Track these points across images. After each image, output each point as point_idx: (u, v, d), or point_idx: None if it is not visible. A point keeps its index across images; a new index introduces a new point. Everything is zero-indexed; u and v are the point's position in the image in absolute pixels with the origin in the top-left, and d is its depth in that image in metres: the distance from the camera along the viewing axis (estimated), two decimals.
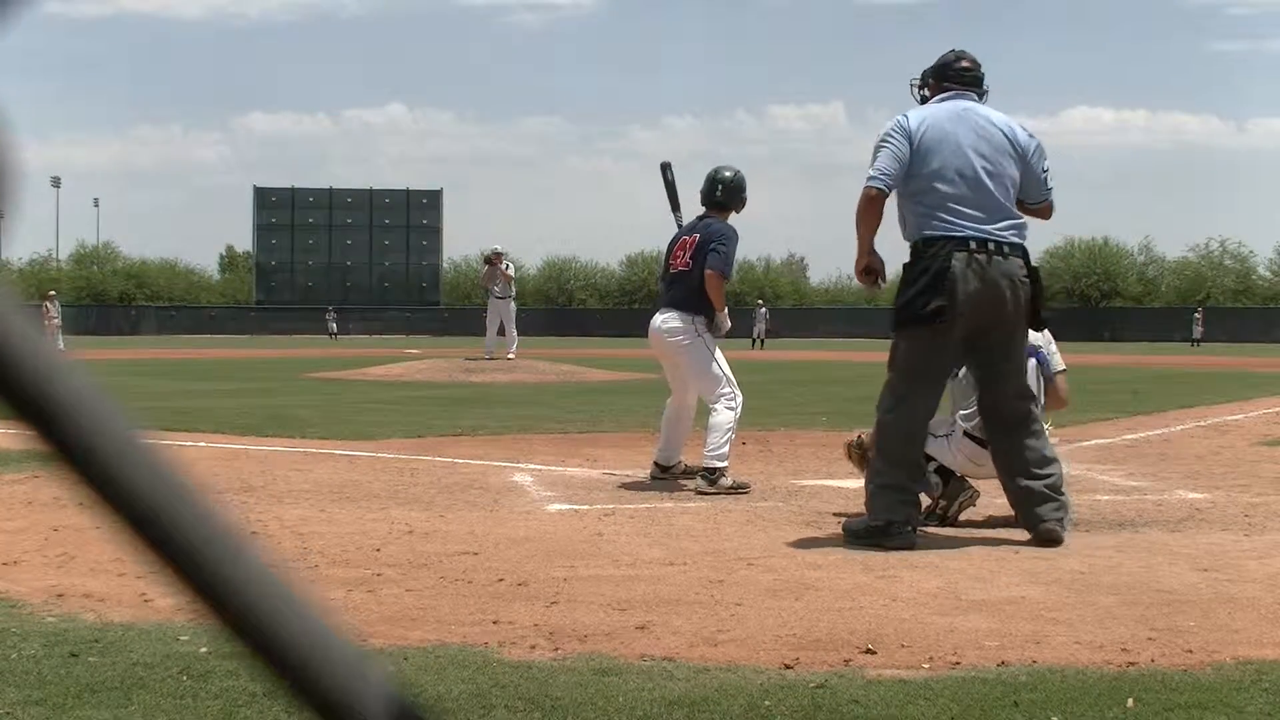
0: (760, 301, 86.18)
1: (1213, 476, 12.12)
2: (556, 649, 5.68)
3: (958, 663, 5.53)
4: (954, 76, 9.02)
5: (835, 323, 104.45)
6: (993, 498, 9.71)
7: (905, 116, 8.77)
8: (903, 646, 5.78)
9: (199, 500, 0.75)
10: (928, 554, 8.06)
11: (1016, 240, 8.65)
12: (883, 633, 6.00)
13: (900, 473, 8.56)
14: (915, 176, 8.62)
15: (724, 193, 11.64)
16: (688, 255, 11.53)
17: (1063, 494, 8.73)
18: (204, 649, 5.47)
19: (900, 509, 8.43)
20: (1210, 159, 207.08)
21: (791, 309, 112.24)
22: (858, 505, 9.96)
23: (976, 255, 8.45)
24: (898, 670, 5.41)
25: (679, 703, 4.89)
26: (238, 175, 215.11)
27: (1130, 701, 4.92)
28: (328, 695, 0.75)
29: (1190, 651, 5.71)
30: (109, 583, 6.88)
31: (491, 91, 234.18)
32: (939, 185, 8.56)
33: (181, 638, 5.67)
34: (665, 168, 12.54)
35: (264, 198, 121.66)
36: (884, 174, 8.61)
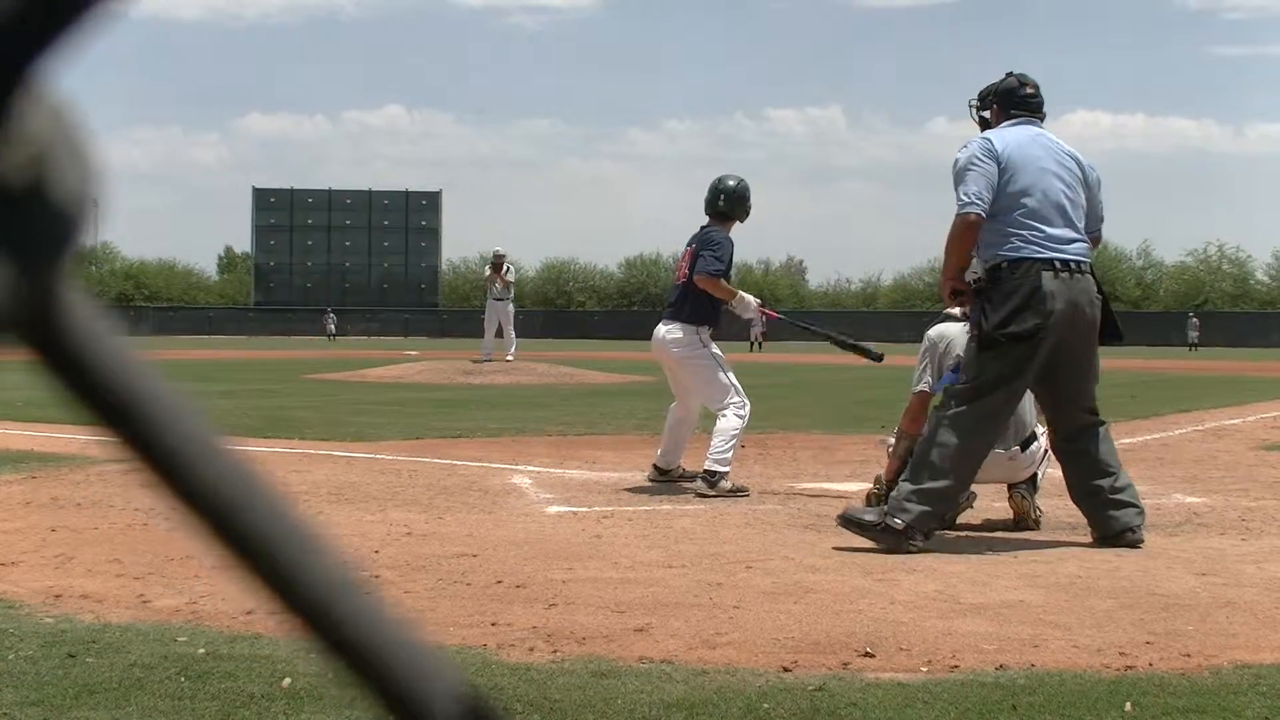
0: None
1: (1210, 481, 12.12)
2: (555, 651, 5.69)
3: (956, 666, 5.53)
4: (1020, 103, 9.10)
5: (834, 326, 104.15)
6: (991, 500, 9.72)
7: (988, 139, 8.82)
8: (901, 649, 5.79)
9: (275, 500, 0.76)
10: (926, 557, 8.06)
11: (1089, 260, 8.78)
12: (881, 636, 6.00)
13: (952, 490, 8.59)
14: (1000, 197, 8.66)
15: (727, 202, 11.65)
16: (686, 266, 11.55)
17: (1136, 496, 8.81)
18: (201, 650, 5.48)
19: (927, 522, 8.43)
20: (1209, 164, 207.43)
21: (790, 312, 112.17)
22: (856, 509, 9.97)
23: (1061, 274, 8.54)
24: (896, 673, 5.41)
25: (678, 705, 4.89)
26: (236, 176, 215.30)
27: (1128, 705, 4.93)
28: (402, 694, 0.76)
29: (1188, 656, 5.71)
30: (107, 584, 6.89)
31: (491, 93, 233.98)
32: (1024, 206, 8.64)
33: (179, 639, 5.68)
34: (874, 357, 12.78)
35: (263, 199, 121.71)
36: (979, 199, 8.63)
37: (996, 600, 6.83)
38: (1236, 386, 30.96)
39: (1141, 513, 8.73)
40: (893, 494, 8.59)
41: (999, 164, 8.68)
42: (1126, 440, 16.00)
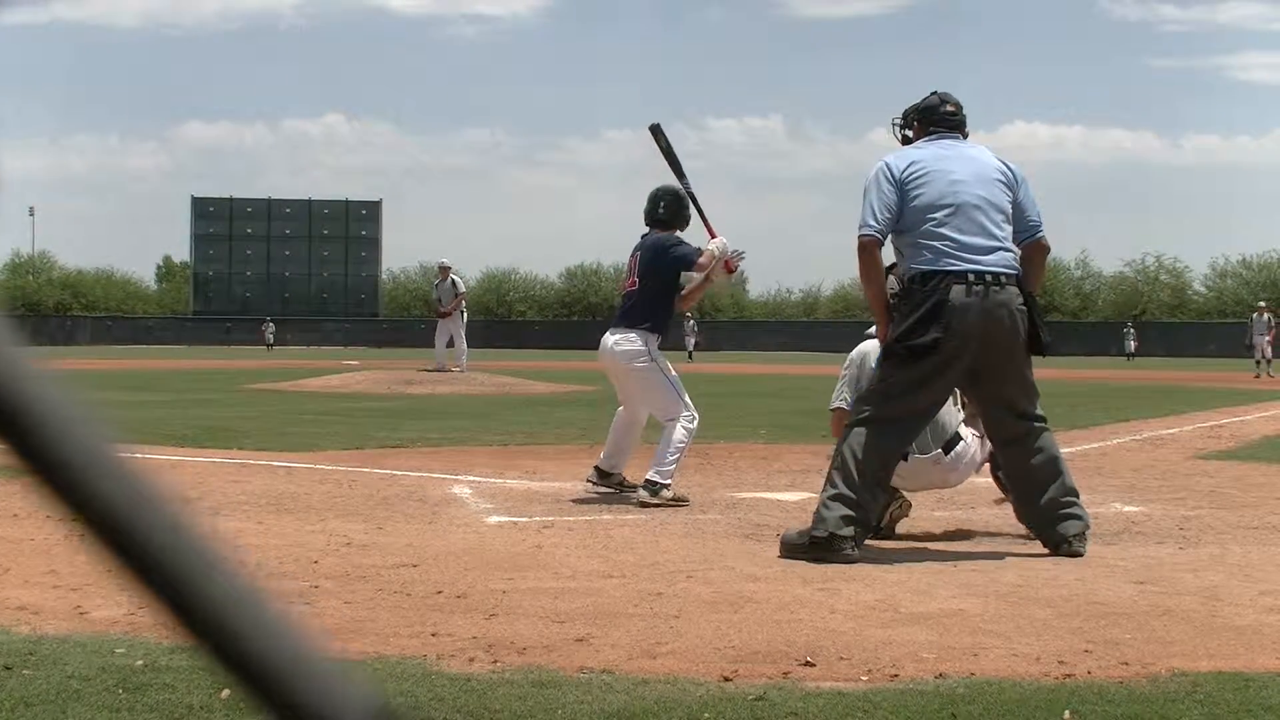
0: (687, 315, 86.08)
1: (1148, 490, 12.20)
2: (495, 661, 5.67)
3: (896, 675, 5.54)
4: (940, 120, 9.11)
5: (774, 336, 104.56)
6: (930, 510, 9.75)
7: (886, 162, 8.83)
8: (841, 659, 5.80)
9: (174, 511, 0.74)
10: (866, 566, 8.08)
11: (1012, 270, 8.70)
12: (821, 645, 6.01)
13: (864, 492, 8.51)
14: (907, 213, 8.67)
15: (666, 210, 11.64)
16: (635, 274, 11.54)
17: (1078, 506, 8.81)
18: (140, 662, 5.44)
19: (847, 525, 8.39)
20: (1146, 175, 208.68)
21: (730, 322, 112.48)
22: (798, 518, 9.99)
23: (975, 287, 8.50)
24: (836, 682, 5.43)
25: (618, 715, 4.89)
26: (175, 185, 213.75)
27: (1067, 713, 4.95)
28: (305, 705, 0.75)
29: (1126, 664, 5.75)
30: (43, 595, 6.83)
31: (430, 102, 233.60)
32: (932, 220, 8.62)
33: (117, 650, 5.64)
34: (656, 130, 12.30)
35: (202, 208, 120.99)
36: (872, 221, 8.68)
37: (936, 609, 6.86)
38: (1173, 396, 31.18)
39: (1083, 522, 8.72)
40: (816, 510, 8.59)
41: (897, 182, 8.70)
42: (1065, 450, 15.98)
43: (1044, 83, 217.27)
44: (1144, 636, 6.26)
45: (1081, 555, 8.52)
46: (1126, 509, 10.87)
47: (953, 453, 9.17)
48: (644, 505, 10.69)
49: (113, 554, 0.73)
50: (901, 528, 9.37)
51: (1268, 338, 47.81)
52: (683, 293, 11.84)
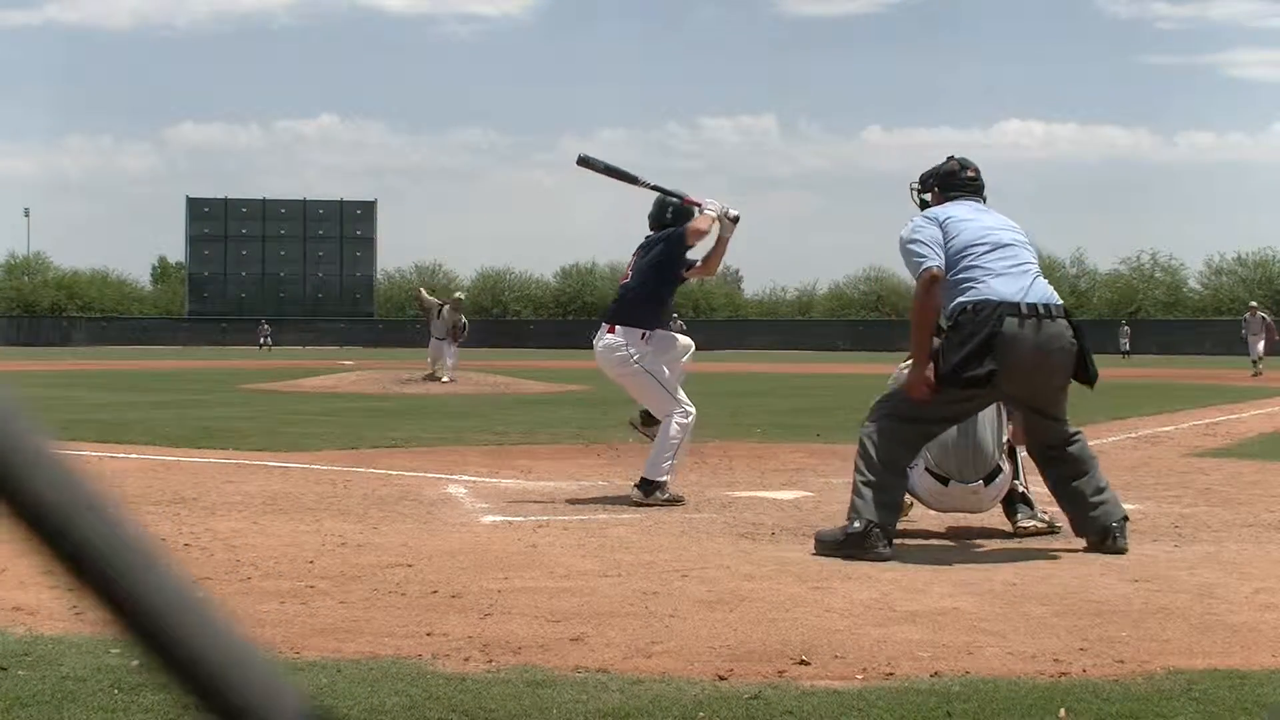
0: (675, 316, 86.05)
1: (1143, 488, 12.20)
2: (490, 661, 5.67)
3: (891, 673, 5.54)
4: (960, 185, 9.20)
5: (769, 335, 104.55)
6: (924, 510, 9.74)
7: (921, 214, 8.98)
8: (837, 657, 5.80)
9: (110, 512, 0.74)
10: (861, 565, 8.07)
11: (1058, 301, 8.75)
12: (817, 643, 6.01)
13: (887, 475, 8.60)
14: (953, 257, 8.69)
15: (674, 215, 11.66)
16: (629, 269, 11.57)
17: (1114, 501, 8.91)
18: (135, 662, 5.43)
19: (883, 512, 8.47)
20: (1141, 172, 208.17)
21: (726, 321, 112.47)
22: (793, 517, 10.01)
23: (1027, 319, 8.51)
24: (832, 681, 5.42)
25: (613, 714, 4.89)
26: (170, 185, 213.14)
27: (1062, 712, 4.95)
28: (240, 708, 0.74)
29: (1121, 662, 5.75)
30: (39, 596, 6.82)
31: (424, 102, 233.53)
32: (972, 254, 8.67)
33: (112, 651, 5.63)
34: (584, 161, 12.29)
35: (196, 208, 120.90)
36: (931, 256, 8.66)
37: (931, 607, 6.86)
38: (1169, 394, 31.20)
39: (1119, 515, 8.83)
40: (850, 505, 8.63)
41: (940, 226, 8.76)
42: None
43: (1037, 80, 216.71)
44: (1139, 634, 6.26)
45: (1124, 552, 8.56)
46: (1122, 507, 10.85)
47: (993, 484, 9.19)
48: (638, 505, 10.68)
49: (49, 553, 0.73)
50: (897, 526, 9.36)
51: (1262, 337, 47.73)
52: (704, 259, 11.83)
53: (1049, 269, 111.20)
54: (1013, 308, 8.49)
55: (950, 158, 9.37)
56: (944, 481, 9.09)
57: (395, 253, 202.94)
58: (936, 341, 8.66)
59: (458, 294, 34.46)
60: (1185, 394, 31.31)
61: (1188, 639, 6.21)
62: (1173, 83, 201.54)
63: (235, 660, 0.75)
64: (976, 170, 9.29)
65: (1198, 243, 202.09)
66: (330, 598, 6.96)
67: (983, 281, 8.57)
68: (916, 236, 8.77)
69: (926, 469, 9.27)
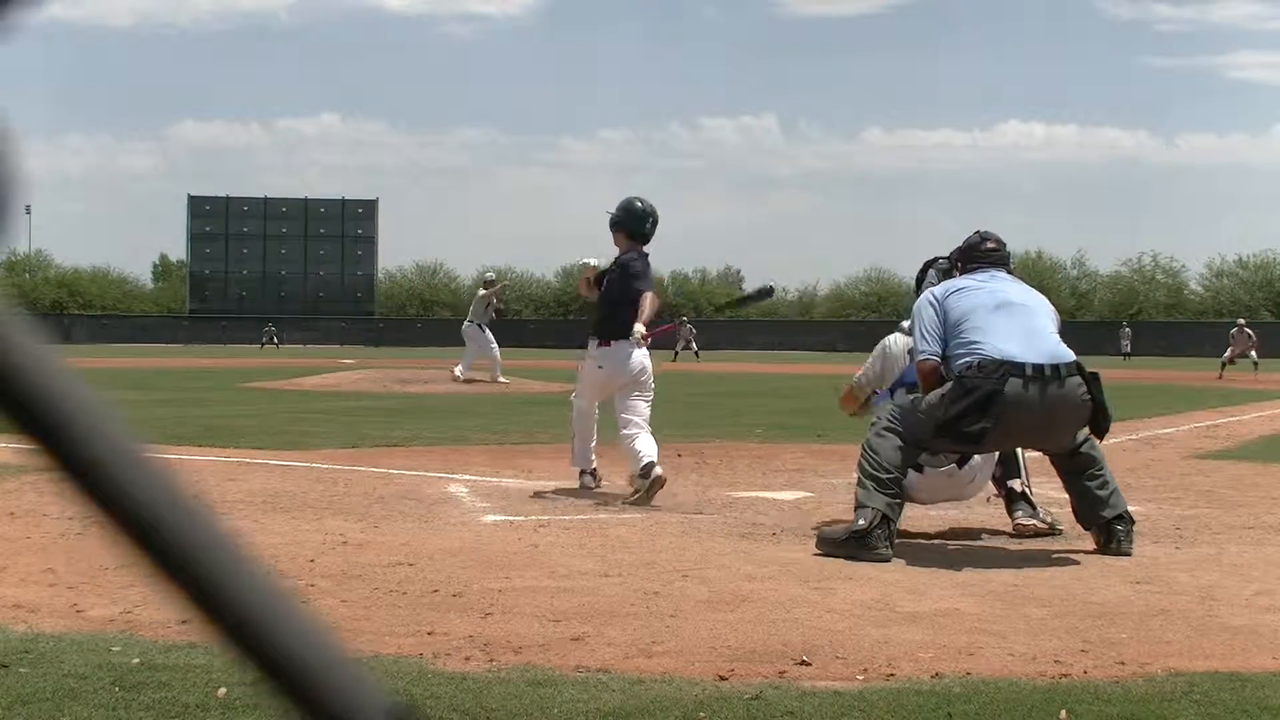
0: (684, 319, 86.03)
1: (1144, 490, 12.20)
2: (491, 660, 5.67)
3: (892, 674, 5.55)
4: (981, 257, 9.29)
5: (769, 335, 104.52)
6: (926, 510, 9.75)
7: (932, 292, 9.08)
8: (837, 658, 5.80)
9: (199, 511, 0.75)
10: (862, 566, 8.08)
11: (1069, 359, 8.65)
12: (818, 644, 6.01)
13: (891, 472, 8.62)
14: (950, 320, 8.76)
15: (653, 226, 11.88)
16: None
17: (1118, 496, 8.90)
18: (136, 660, 5.44)
19: (889, 505, 8.51)
20: (1141, 174, 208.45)
21: (726, 322, 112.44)
22: (793, 517, 10.00)
23: (1032, 382, 8.42)
24: (832, 681, 5.43)
25: (614, 714, 4.89)
26: (171, 184, 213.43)
27: (1063, 713, 4.95)
28: (326, 703, 0.75)
29: (1122, 663, 5.75)
30: (40, 593, 6.83)
31: (424, 102, 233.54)
32: (976, 315, 8.71)
33: (114, 649, 5.64)
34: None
35: (198, 206, 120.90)
36: (928, 349, 8.79)
37: (932, 608, 6.86)
38: (1169, 396, 31.21)
39: (1130, 516, 8.87)
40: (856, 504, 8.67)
41: (940, 303, 8.86)
42: None
43: (1038, 82, 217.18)
44: (1140, 636, 6.27)
45: (1130, 555, 8.56)
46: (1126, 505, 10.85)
47: (966, 465, 9.18)
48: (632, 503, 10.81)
49: (140, 553, 0.73)
50: (898, 527, 9.36)
51: (1252, 346, 48.66)
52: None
53: (1050, 271, 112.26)
54: (1017, 368, 8.41)
55: (975, 232, 9.49)
56: (919, 469, 9.11)
57: (396, 252, 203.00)
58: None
59: (489, 274, 33.90)
60: (1186, 396, 31.29)
61: (1188, 641, 6.21)
62: (1174, 85, 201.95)
63: (324, 658, 0.76)
64: (999, 242, 9.38)
65: (1199, 245, 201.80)
66: (331, 597, 6.96)
67: (987, 342, 8.54)
68: (919, 322, 8.95)
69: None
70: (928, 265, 9.94)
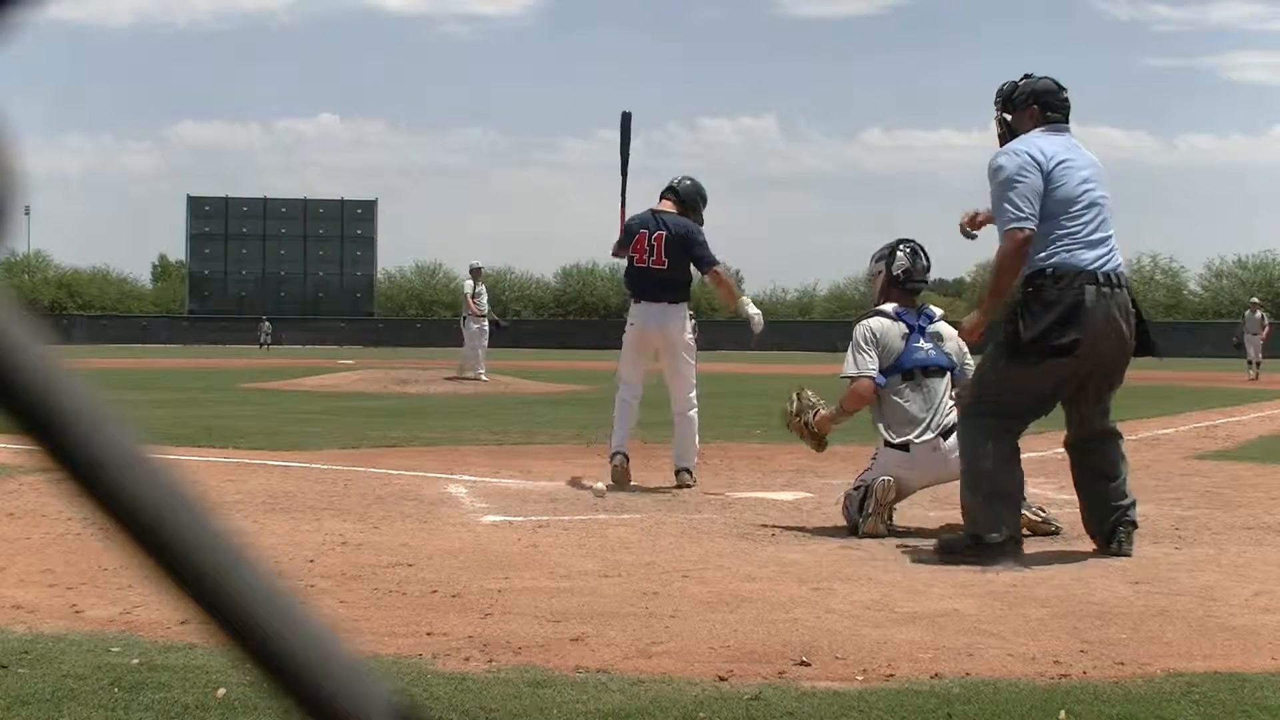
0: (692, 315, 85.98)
1: (1144, 490, 12.16)
2: (491, 661, 5.67)
3: (891, 675, 5.54)
4: (1059, 106, 8.88)
5: (769, 335, 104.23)
6: (925, 509, 9.75)
7: (1027, 151, 8.58)
8: (837, 658, 5.80)
9: (201, 511, 0.75)
10: (861, 566, 8.08)
11: (1124, 270, 8.65)
12: (817, 644, 6.01)
13: (1007, 485, 8.50)
14: (1045, 204, 8.48)
15: (705, 201, 12.61)
16: (663, 255, 12.11)
17: (1132, 507, 8.77)
18: (135, 660, 5.44)
19: (1013, 520, 8.45)
20: (1141, 175, 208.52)
21: (726, 321, 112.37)
22: (793, 518, 10.00)
23: (1103, 289, 8.38)
24: (832, 682, 5.42)
25: (613, 714, 4.89)
26: (170, 184, 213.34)
27: (1062, 713, 4.95)
28: (331, 703, 0.75)
29: (1122, 664, 5.75)
30: (39, 594, 6.83)
31: (424, 102, 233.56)
32: (1069, 213, 8.48)
33: (113, 649, 5.64)
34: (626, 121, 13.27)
35: (197, 207, 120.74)
36: (1029, 215, 8.40)
37: (932, 609, 6.86)
38: (1169, 396, 31.14)
39: (1132, 522, 8.72)
40: (969, 515, 8.51)
41: (1046, 174, 8.49)
42: (1062, 450, 16.03)
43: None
44: (1139, 637, 6.27)
45: (1129, 556, 8.50)
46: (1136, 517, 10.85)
47: (950, 440, 9.15)
48: (686, 487, 11.71)
49: (144, 553, 0.73)
50: (898, 527, 9.36)
51: (1261, 336, 47.25)
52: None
53: None
54: (1092, 276, 8.37)
55: (1044, 77, 9.00)
56: (905, 449, 9.10)
57: (395, 252, 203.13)
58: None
59: (474, 261, 33.81)
60: (1186, 396, 31.27)
61: (1188, 641, 6.21)
62: (1172, 85, 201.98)
63: (328, 658, 0.76)
64: (1066, 90, 8.98)
65: (1198, 245, 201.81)
66: (330, 597, 6.96)
67: (1070, 249, 8.40)
68: (1019, 184, 8.48)
69: (886, 443, 9.32)
70: (896, 245, 9.94)
